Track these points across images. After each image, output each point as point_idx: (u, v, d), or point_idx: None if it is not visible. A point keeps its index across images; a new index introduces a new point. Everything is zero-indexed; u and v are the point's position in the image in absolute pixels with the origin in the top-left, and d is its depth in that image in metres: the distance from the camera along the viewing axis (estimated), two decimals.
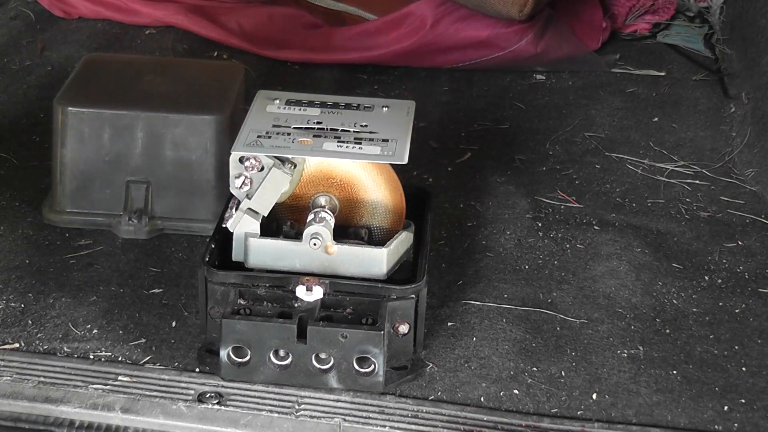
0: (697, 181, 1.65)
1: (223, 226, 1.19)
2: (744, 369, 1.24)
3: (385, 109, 1.26)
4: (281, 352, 1.12)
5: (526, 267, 1.41)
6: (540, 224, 1.51)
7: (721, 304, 1.35)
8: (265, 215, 1.18)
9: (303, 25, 2.08)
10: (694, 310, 1.34)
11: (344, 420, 1.12)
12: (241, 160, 1.15)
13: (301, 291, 1.12)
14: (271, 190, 1.16)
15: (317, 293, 1.12)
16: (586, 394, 1.19)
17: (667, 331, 1.30)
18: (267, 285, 1.14)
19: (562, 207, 1.56)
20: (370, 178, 1.20)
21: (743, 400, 1.19)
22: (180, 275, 1.36)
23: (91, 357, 1.21)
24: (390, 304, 1.13)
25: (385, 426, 1.11)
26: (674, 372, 1.23)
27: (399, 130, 1.22)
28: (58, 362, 1.19)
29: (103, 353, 1.22)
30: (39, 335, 1.24)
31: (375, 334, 1.10)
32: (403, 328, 1.15)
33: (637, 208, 1.57)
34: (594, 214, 1.54)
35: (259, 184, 1.15)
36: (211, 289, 1.14)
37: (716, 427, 1.15)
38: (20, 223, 1.46)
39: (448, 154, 1.70)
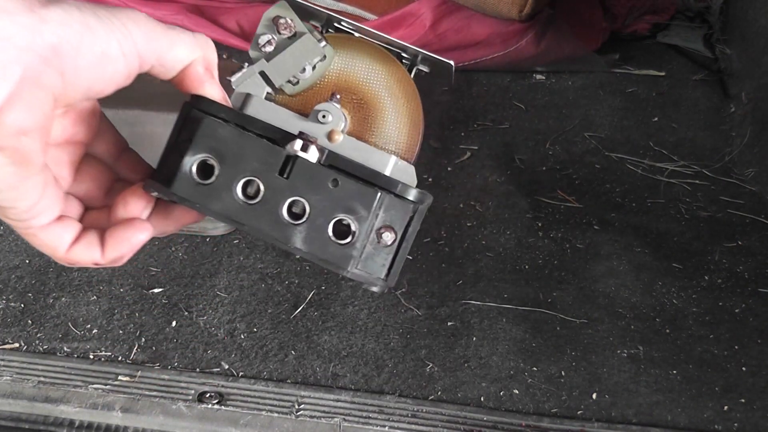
0: (697, 181, 1.64)
1: (227, 78, 1.06)
2: (744, 369, 1.24)
3: None
4: (251, 190, 0.95)
5: (526, 267, 1.41)
6: (540, 224, 1.51)
7: (721, 304, 1.35)
8: (276, 87, 1.08)
9: None
10: (694, 310, 1.34)
11: (344, 420, 1.11)
12: (275, 21, 1.05)
13: (296, 146, 0.95)
14: (295, 58, 1.06)
15: (312, 155, 0.95)
16: (585, 394, 1.19)
17: (667, 331, 1.30)
18: (259, 133, 0.98)
19: (562, 207, 1.56)
20: (394, 108, 1.09)
21: (743, 400, 1.19)
22: (180, 275, 1.36)
23: (91, 357, 1.21)
24: (386, 199, 0.97)
25: (384, 426, 1.11)
26: (674, 372, 1.23)
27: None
28: (58, 362, 1.19)
29: (103, 353, 1.22)
30: (39, 335, 1.24)
31: (370, 191, 0.93)
32: (388, 237, 0.95)
33: (637, 208, 1.57)
34: (594, 214, 1.54)
35: (283, 50, 1.07)
36: (191, 119, 0.92)
37: (716, 426, 1.15)
38: None
39: (448, 154, 1.70)
